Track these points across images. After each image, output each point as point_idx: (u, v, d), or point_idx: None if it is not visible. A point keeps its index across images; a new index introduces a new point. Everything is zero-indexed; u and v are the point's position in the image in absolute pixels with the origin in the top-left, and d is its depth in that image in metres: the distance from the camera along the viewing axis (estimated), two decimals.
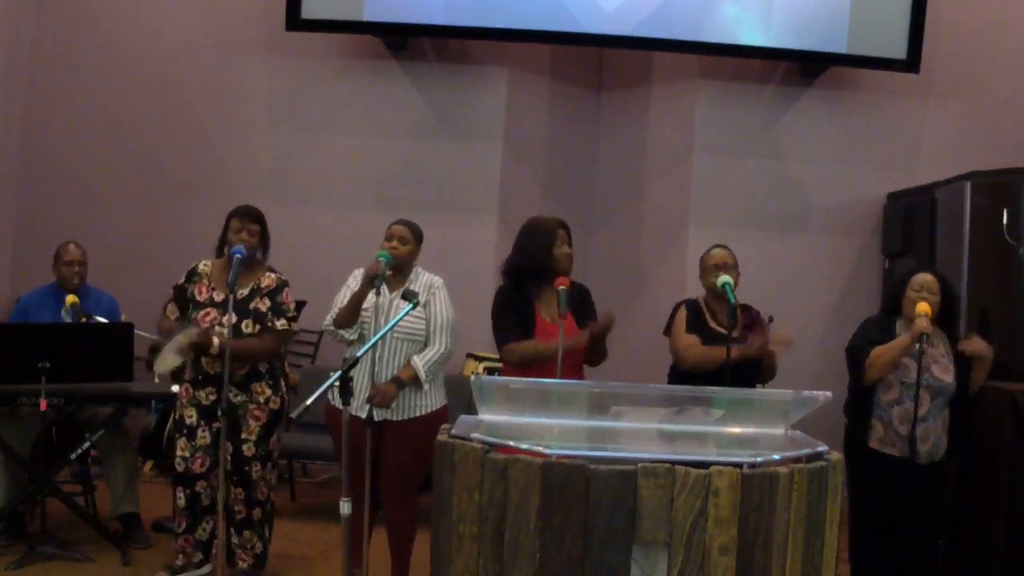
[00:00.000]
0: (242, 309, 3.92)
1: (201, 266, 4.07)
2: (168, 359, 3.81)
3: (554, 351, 3.49)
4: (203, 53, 6.45)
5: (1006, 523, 4.07)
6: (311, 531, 4.91)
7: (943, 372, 3.84)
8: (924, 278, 3.90)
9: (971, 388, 3.96)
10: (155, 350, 3.88)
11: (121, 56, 6.46)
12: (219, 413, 3.83)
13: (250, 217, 3.98)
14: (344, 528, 2.94)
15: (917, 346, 3.65)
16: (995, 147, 6.02)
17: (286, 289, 4.04)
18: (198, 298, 3.97)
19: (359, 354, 3.12)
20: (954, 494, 4.17)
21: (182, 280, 4.05)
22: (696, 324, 3.93)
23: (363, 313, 3.75)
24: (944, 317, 3.91)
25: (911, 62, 6.00)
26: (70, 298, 4.53)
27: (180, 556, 4.03)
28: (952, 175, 5.47)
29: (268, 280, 4.01)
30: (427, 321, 3.80)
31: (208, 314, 3.90)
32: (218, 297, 3.93)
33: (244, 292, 3.95)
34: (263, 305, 3.96)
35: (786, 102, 6.37)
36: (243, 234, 3.93)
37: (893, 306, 3.99)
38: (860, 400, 3.92)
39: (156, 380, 4.68)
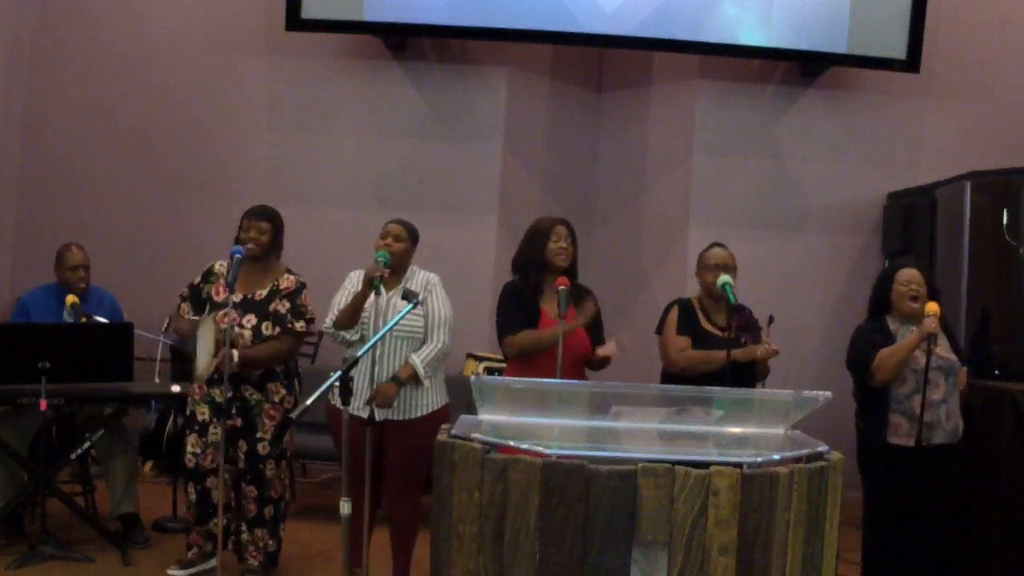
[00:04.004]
0: (262, 311, 3.94)
1: (217, 266, 4.07)
2: (204, 362, 3.83)
3: (551, 338, 3.55)
4: (203, 53, 6.45)
5: (1006, 523, 4.07)
6: (311, 531, 4.90)
7: (947, 352, 3.90)
8: (911, 273, 3.93)
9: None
10: (187, 358, 3.91)
11: (121, 56, 6.47)
12: (220, 414, 3.87)
13: (258, 215, 3.99)
14: (344, 528, 2.94)
15: (925, 343, 3.68)
16: (995, 147, 6.02)
17: (305, 291, 4.04)
18: (215, 298, 3.99)
19: (359, 354, 3.12)
20: (956, 494, 4.17)
21: (198, 280, 4.06)
22: (688, 324, 3.93)
23: (362, 314, 3.76)
24: None
25: (911, 62, 6.00)
26: (70, 298, 4.52)
27: (192, 549, 4.05)
28: (952, 175, 5.47)
29: (287, 282, 4.01)
30: (425, 318, 3.80)
31: (227, 315, 3.91)
32: (236, 297, 3.93)
33: (263, 293, 3.97)
34: (282, 307, 3.97)
35: (786, 102, 6.37)
36: (251, 232, 3.94)
37: (880, 306, 4.00)
38: (874, 401, 3.91)
39: (157, 380, 4.70)
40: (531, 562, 2.31)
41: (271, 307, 3.95)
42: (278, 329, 3.95)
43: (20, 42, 6.39)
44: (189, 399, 4.05)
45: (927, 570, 3.90)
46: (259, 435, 3.95)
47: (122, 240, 6.30)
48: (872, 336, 3.92)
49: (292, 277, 4.04)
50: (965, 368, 3.96)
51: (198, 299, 4.04)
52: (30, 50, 6.47)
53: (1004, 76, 6.37)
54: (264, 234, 3.96)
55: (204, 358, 3.83)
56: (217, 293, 3.99)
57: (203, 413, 3.98)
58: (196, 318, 3.99)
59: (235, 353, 3.76)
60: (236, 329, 3.84)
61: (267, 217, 4.00)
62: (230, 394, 3.85)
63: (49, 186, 6.45)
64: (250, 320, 3.91)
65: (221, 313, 3.89)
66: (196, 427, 3.98)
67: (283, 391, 4.00)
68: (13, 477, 4.41)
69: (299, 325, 3.98)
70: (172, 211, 6.40)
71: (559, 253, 3.76)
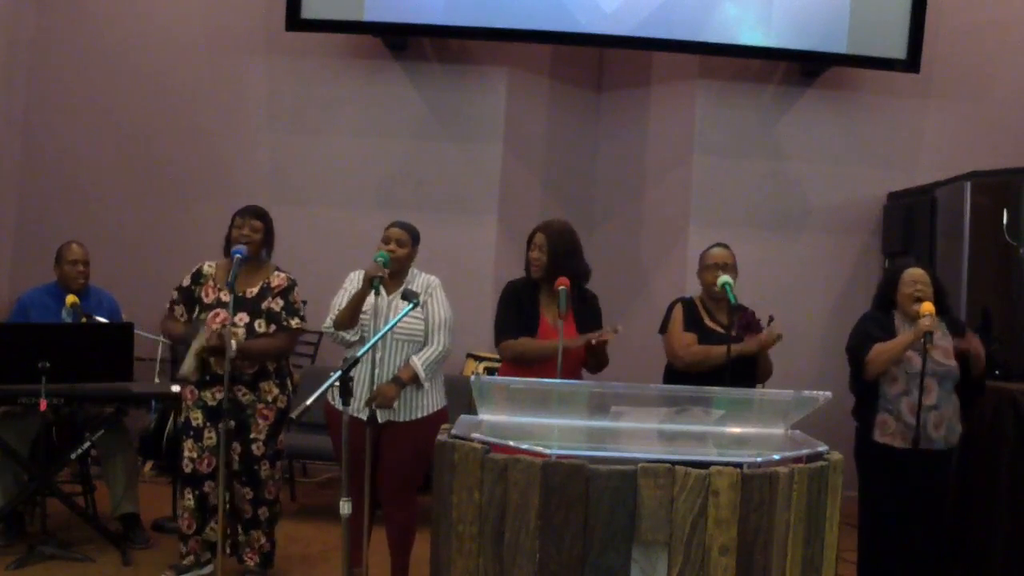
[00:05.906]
0: (254, 308, 3.94)
1: (206, 267, 4.08)
2: (189, 362, 3.85)
3: (548, 352, 3.55)
4: (203, 53, 6.45)
5: (1008, 523, 4.07)
6: (311, 531, 4.90)
7: (945, 357, 3.86)
8: (916, 273, 3.93)
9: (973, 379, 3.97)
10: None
11: (121, 56, 6.47)
12: (223, 414, 3.86)
13: (251, 214, 4.01)
14: (344, 528, 2.94)
15: (921, 341, 3.67)
16: (995, 147, 6.02)
17: (296, 288, 4.07)
18: (205, 300, 3.98)
19: (359, 354, 3.12)
20: (956, 494, 4.17)
21: (187, 282, 4.05)
22: (692, 322, 3.94)
23: (362, 315, 3.75)
24: (938, 306, 3.92)
25: (911, 62, 6.00)
26: (70, 298, 4.52)
27: (188, 556, 4.03)
28: (952, 175, 5.47)
29: (278, 280, 4.03)
30: (425, 321, 3.80)
31: (218, 315, 3.91)
32: (225, 297, 3.93)
33: (254, 291, 3.97)
34: (276, 305, 3.97)
35: (786, 102, 6.38)
36: (244, 230, 3.96)
37: (886, 302, 4.01)
38: (865, 397, 3.92)
39: (157, 380, 4.70)
40: (531, 562, 2.30)
41: (264, 305, 3.95)
42: (273, 327, 3.95)
43: (20, 42, 6.39)
44: (182, 404, 4.04)
45: (924, 570, 3.90)
46: (253, 436, 3.95)
47: (122, 240, 6.30)
48: (872, 329, 3.92)
49: (283, 275, 4.06)
50: (974, 335, 3.93)
51: (190, 301, 4.02)
52: (30, 50, 6.47)
53: (1004, 76, 6.37)
54: (257, 232, 3.98)
55: (190, 359, 3.83)
56: (207, 294, 3.98)
57: (196, 418, 3.96)
58: (190, 320, 3.98)
59: (233, 344, 3.77)
60: (228, 328, 3.85)
61: (259, 216, 4.02)
62: (243, 396, 3.87)
63: (49, 186, 6.45)
64: (242, 318, 3.91)
65: (212, 313, 3.90)
66: (191, 432, 3.97)
67: (276, 391, 4.00)
68: (14, 477, 4.41)
69: (295, 322, 4.00)
70: (172, 211, 6.40)
71: (532, 264, 3.78)
